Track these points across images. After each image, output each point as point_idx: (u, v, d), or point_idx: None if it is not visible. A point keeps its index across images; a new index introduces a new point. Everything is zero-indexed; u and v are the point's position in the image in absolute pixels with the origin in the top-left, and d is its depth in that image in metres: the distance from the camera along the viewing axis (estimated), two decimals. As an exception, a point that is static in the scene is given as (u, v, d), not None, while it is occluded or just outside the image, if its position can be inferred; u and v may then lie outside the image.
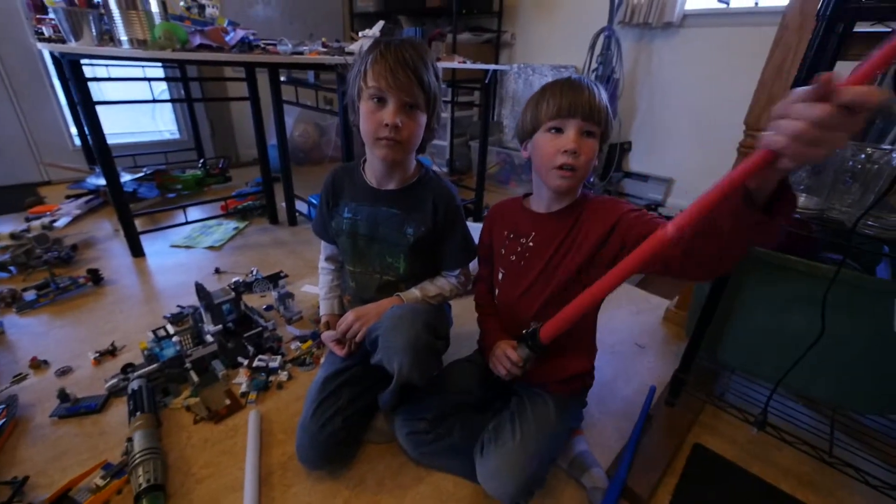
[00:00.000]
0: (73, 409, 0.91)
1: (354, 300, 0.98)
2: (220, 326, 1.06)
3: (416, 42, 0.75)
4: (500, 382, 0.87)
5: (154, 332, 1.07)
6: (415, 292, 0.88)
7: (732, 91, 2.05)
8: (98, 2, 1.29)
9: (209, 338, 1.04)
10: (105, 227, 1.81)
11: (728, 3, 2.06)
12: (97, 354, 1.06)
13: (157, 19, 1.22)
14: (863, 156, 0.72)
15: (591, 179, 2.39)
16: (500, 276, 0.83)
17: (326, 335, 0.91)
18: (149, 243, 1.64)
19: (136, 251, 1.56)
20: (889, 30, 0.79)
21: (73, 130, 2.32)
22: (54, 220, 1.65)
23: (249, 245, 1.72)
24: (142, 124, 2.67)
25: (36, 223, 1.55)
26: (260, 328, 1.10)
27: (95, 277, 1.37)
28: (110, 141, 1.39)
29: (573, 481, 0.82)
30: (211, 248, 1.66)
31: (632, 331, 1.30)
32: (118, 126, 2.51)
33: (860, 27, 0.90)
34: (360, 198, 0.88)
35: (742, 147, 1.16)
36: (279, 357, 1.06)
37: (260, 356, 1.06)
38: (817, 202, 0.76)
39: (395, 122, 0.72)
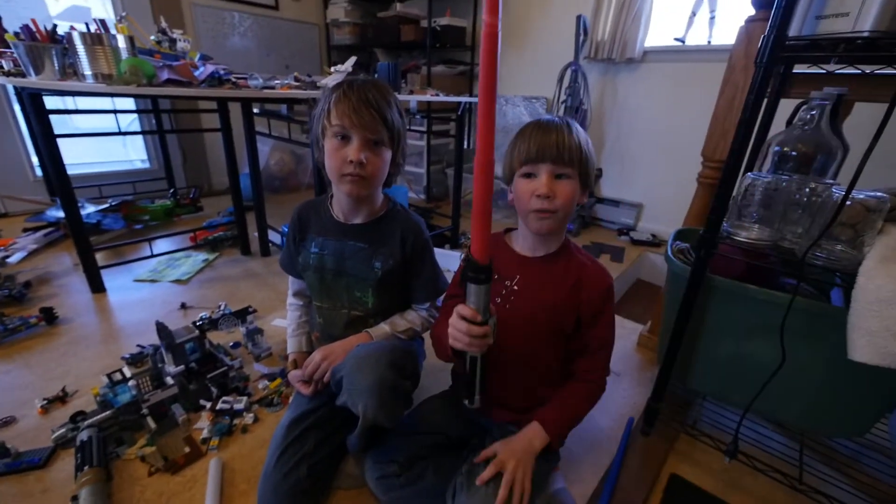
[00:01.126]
0: (13, 464, 0.84)
1: (323, 336, 0.95)
2: (181, 367, 1.01)
3: (378, 82, 0.76)
4: (475, 421, 0.85)
5: (108, 375, 1.01)
6: (384, 328, 0.87)
7: (692, 120, 2.17)
8: (62, 37, 1.27)
9: (170, 380, 0.99)
10: (64, 261, 1.73)
11: (684, 41, 2.20)
12: (45, 402, 0.99)
13: (125, 54, 1.21)
14: (807, 189, 0.76)
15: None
16: None
17: (293, 375, 0.88)
18: (111, 278, 1.57)
19: (96, 286, 1.49)
20: (823, 71, 0.85)
21: (35, 160, 2.24)
22: (7, 256, 1.57)
23: (219, 278, 1.67)
24: (111, 153, 2.61)
25: (-13, 259, 1.47)
26: (225, 367, 1.05)
27: (49, 316, 1.29)
28: (76, 171, 1.35)
29: (550, 521, 0.79)
30: (177, 281, 1.60)
31: (607, 358, 1.30)
32: (85, 156, 2.44)
33: (798, 68, 0.98)
34: (327, 232, 0.87)
35: (701, 178, 1.22)
36: (245, 398, 1.01)
37: (224, 398, 1.01)
38: (770, 233, 0.79)
39: (359, 158, 0.73)
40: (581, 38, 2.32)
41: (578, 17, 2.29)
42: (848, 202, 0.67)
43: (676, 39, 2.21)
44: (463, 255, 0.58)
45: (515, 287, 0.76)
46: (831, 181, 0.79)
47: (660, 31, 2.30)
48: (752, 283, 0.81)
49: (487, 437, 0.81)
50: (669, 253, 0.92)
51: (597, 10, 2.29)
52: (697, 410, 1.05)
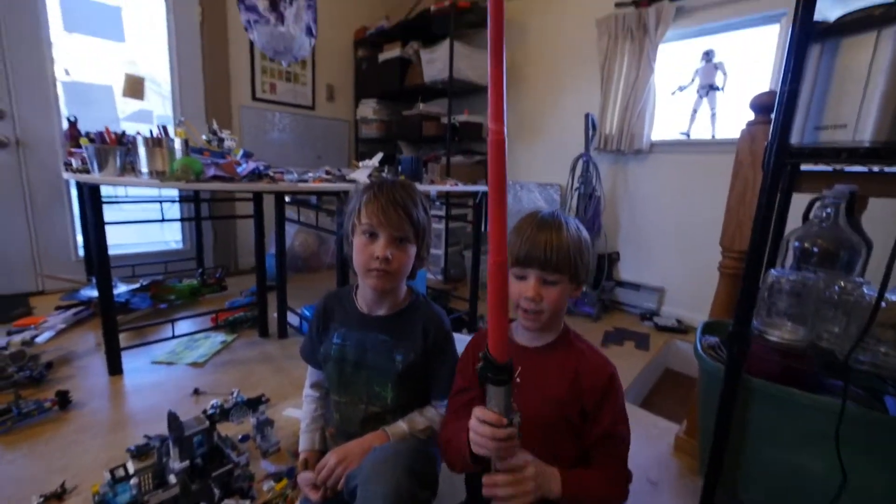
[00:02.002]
0: (-6, 575, 0.77)
1: (338, 433, 0.91)
2: (186, 463, 0.96)
3: (405, 183, 0.83)
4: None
5: (111, 471, 0.96)
6: (402, 426, 0.83)
7: (702, 206, 2.21)
8: (128, 139, 1.44)
9: (172, 478, 0.93)
10: (88, 340, 1.76)
11: (689, 135, 2.34)
12: (41, 499, 0.94)
13: (179, 154, 1.36)
14: (837, 287, 0.74)
15: (584, 289, 2.43)
16: None
17: (303, 478, 0.82)
18: (130, 359, 1.57)
19: (114, 368, 1.49)
20: (830, 168, 0.88)
21: (80, 240, 2.40)
22: (36, 335, 1.61)
23: (235, 361, 1.66)
24: (149, 235, 2.78)
25: (16, 338, 1.52)
26: (231, 465, 1.00)
27: (63, 401, 1.28)
28: (115, 251, 1.43)
29: None
30: (194, 364, 1.59)
31: (641, 463, 1.18)
32: (125, 237, 2.61)
33: (806, 165, 1.02)
34: (350, 323, 0.88)
35: (722, 268, 1.21)
36: (248, 501, 0.94)
37: (226, 500, 0.94)
38: (804, 332, 0.76)
39: (385, 255, 0.76)
40: (590, 132, 2.50)
41: (587, 116, 2.48)
42: (882, 303, 0.64)
43: (682, 133, 2.36)
44: (482, 354, 0.54)
45: (518, 379, 0.74)
46: (861, 279, 0.77)
47: (665, 124, 2.46)
48: (792, 385, 0.76)
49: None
50: (699, 349, 0.88)
51: (603, 109, 2.49)
52: (752, 532, 0.92)
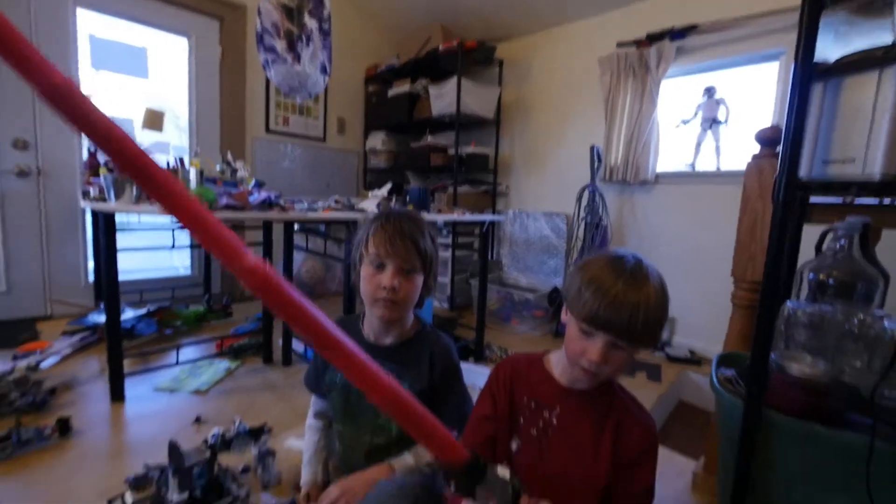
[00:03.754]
0: None
1: (341, 466, 0.89)
2: (185, 495, 0.93)
3: (413, 214, 0.84)
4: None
5: (109, 502, 0.94)
6: (408, 459, 0.80)
7: (709, 236, 2.20)
8: (145, 168, 1.49)
9: (170, 511, 0.90)
10: (92, 365, 1.75)
11: (694, 167, 2.36)
12: (34, 533, 0.91)
13: (193, 184, 1.39)
14: (856, 320, 0.72)
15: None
16: (514, 446, 0.74)
17: (304, 514, 0.79)
18: (133, 385, 1.56)
19: (117, 395, 1.48)
20: (840, 200, 0.88)
21: (91, 265, 2.43)
22: (41, 361, 1.61)
23: (238, 388, 1.63)
24: (159, 261, 2.81)
25: (21, 364, 1.51)
26: (231, 498, 0.96)
27: (63, 428, 1.26)
28: (124, 277, 1.44)
29: None
30: (196, 391, 1.57)
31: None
32: (135, 263, 2.64)
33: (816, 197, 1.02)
34: (356, 352, 0.87)
35: (735, 299, 1.20)
36: (246, 539, 0.90)
37: (224, 537, 0.90)
38: (825, 367, 0.73)
39: (392, 285, 0.76)
40: (596, 163, 2.53)
41: (592, 147, 2.53)
42: (906, 337, 0.63)
43: (687, 165, 2.38)
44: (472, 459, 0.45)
45: (554, 421, 0.70)
46: (881, 311, 0.75)
47: (670, 156, 2.49)
48: (815, 420, 0.72)
49: None
50: (716, 382, 0.86)
51: (608, 141, 2.54)
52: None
